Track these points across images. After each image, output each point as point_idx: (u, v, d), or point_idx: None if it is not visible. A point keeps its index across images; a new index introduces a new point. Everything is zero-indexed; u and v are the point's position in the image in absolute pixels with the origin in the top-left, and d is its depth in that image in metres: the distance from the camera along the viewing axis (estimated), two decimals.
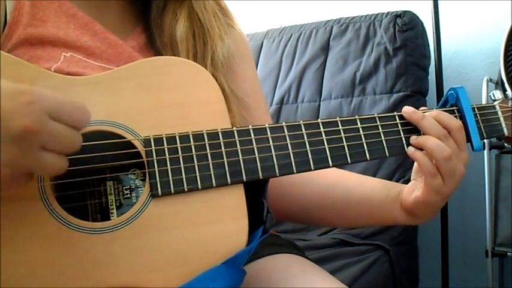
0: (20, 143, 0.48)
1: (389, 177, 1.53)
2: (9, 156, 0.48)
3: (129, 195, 0.63)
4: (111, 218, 0.61)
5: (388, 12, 1.70)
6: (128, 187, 0.63)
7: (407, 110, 0.74)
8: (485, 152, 1.57)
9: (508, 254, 1.55)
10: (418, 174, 0.76)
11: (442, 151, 0.69)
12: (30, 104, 0.49)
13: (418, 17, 1.68)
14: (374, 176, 1.55)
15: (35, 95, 0.50)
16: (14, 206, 0.56)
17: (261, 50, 1.93)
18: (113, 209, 0.62)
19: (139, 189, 0.63)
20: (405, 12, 1.67)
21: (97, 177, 0.62)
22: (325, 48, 1.78)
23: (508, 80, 1.25)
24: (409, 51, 1.64)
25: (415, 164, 0.77)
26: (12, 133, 0.48)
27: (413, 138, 0.72)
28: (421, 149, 0.72)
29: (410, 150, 0.72)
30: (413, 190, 0.75)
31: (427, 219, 0.76)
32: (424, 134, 0.72)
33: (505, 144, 1.53)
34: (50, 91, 0.52)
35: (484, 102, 1.54)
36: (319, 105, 1.74)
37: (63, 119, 0.51)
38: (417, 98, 1.63)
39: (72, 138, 0.53)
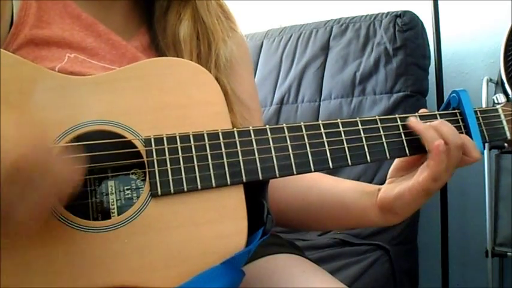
0: (12, 177, 0.47)
1: None
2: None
3: (130, 195, 0.63)
4: (112, 217, 0.61)
5: (388, 12, 1.71)
6: (129, 187, 0.63)
7: (411, 121, 0.73)
8: (485, 152, 1.57)
9: (508, 254, 1.55)
10: (397, 173, 0.76)
11: (457, 138, 0.69)
12: (35, 142, 0.49)
13: (418, 17, 1.69)
14: (374, 176, 1.55)
15: (42, 136, 0.51)
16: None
17: (261, 50, 1.93)
18: (113, 208, 0.62)
19: (140, 189, 0.63)
20: (405, 12, 1.68)
21: (98, 176, 0.62)
22: (325, 48, 1.79)
23: (508, 80, 1.25)
24: (409, 51, 1.64)
25: (395, 162, 0.77)
26: (9, 165, 0.47)
27: (429, 124, 0.71)
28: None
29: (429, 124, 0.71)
30: (394, 187, 0.74)
31: (405, 216, 0.75)
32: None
33: (505, 144, 1.53)
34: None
35: (484, 102, 1.55)
36: (319, 105, 1.74)
37: (60, 167, 0.52)
38: (417, 98, 1.63)
39: (63, 186, 0.53)
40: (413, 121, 0.72)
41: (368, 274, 1.32)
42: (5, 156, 0.47)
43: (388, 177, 0.78)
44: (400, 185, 0.73)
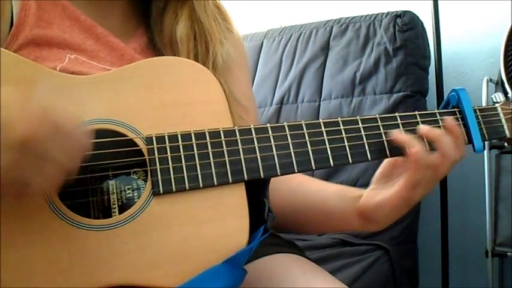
0: (21, 151, 0.49)
1: None
2: (7, 164, 0.49)
3: (130, 195, 0.63)
4: (113, 216, 0.61)
5: (388, 12, 1.71)
6: (130, 186, 0.63)
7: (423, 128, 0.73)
8: (485, 152, 1.57)
9: (508, 254, 1.55)
10: (381, 179, 0.76)
11: (456, 154, 0.70)
12: (37, 114, 0.50)
13: (418, 17, 1.69)
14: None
15: (40, 103, 0.51)
16: (15, 202, 0.56)
17: (261, 50, 1.93)
18: (115, 207, 0.62)
19: (141, 189, 0.63)
20: (405, 12, 1.68)
21: (99, 174, 0.62)
22: (325, 48, 1.79)
23: (508, 80, 1.25)
24: (409, 51, 1.64)
25: (381, 168, 0.77)
26: (13, 141, 0.48)
27: (429, 128, 0.72)
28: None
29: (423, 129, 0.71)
30: (375, 195, 0.74)
31: (383, 225, 0.76)
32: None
33: (505, 144, 1.53)
34: (54, 94, 0.53)
35: (484, 102, 1.55)
36: (319, 105, 1.74)
37: (68, 134, 0.52)
38: (417, 98, 1.63)
39: (74, 153, 0.53)
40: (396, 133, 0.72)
41: (368, 274, 1.32)
42: (13, 128, 0.48)
43: (371, 183, 0.78)
44: (380, 194, 0.73)
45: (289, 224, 0.86)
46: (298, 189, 0.84)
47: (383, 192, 0.73)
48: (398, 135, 0.71)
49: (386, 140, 0.72)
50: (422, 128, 0.72)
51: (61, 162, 0.52)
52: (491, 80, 1.59)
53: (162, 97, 0.65)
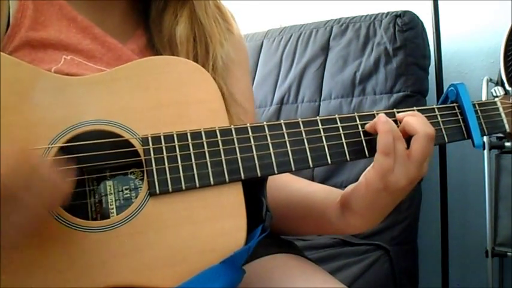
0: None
1: None
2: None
3: (128, 195, 0.63)
4: (111, 217, 0.61)
5: (388, 12, 1.70)
6: (128, 187, 0.63)
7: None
8: (485, 151, 1.57)
9: (508, 254, 1.55)
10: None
11: (427, 126, 0.67)
12: (8, 156, 0.49)
13: (418, 17, 1.68)
14: None
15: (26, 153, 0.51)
16: None
17: (261, 50, 1.93)
18: (112, 208, 0.62)
19: (139, 189, 0.63)
20: (405, 12, 1.67)
21: (96, 175, 0.62)
22: (325, 48, 1.78)
23: (508, 80, 1.25)
24: (409, 51, 1.64)
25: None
26: None
27: (398, 113, 0.70)
28: None
29: (381, 115, 0.68)
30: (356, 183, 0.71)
31: (364, 218, 0.71)
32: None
33: (505, 144, 1.53)
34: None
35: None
36: (319, 105, 1.74)
37: (42, 175, 0.52)
38: (417, 98, 1.63)
39: (53, 195, 0.53)
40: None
41: (368, 274, 1.32)
42: None
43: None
44: (358, 181, 0.70)
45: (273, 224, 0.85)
46: (283, 186, 0.82)
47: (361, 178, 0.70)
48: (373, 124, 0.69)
49: None
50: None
51: (35, 209, 0.52)
52: (491, 80, 1.58)
53: (157, 97, 0.65)
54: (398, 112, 0.73)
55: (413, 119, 0.69)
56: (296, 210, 0.81)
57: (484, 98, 1.54)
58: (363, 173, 0.70)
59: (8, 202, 0.49)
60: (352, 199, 0.70)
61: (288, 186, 0.83)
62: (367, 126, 0.69)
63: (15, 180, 0.49)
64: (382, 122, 0.67)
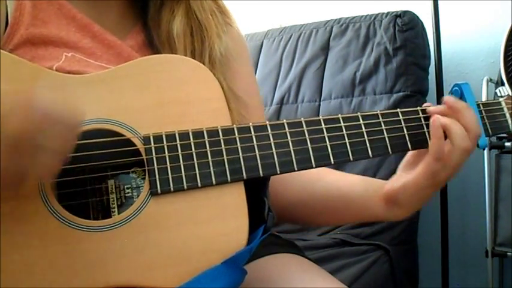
0: (16, 145, 0.50)
1: (389, 177, 1.52)
2: (3, 158, 0.49)
3: (130, 194, 0.63)
4: (113, 216, 0.61)
5: (388, 12, 1.70)
6: (129, 186, 0.63)
7: (449, 100, 0.73)
8: (485, 152, 1.57)
9: (508, 254, 1.55)
10: (407, 167, 0.76)
11: (465, 141, 0.69)
12: (25, 107, 0.50)
13: (418, 17, 1.68)
14: (374, 175, 1.55)
15: (30, 97, 0.51)
16: (13, 204, 0.56)
17: (261, 50, 1.93)
18: (114, 208, 0.62)
19: (141, 188, 0.63)
20: (405, 12, 1.68)
21: (97, 175, 0.62)
22: (325, 48, 1.79)
23: (508, 80, 1.25)
24: (409, 51, 1.64)
25: (407, 156, 0.77)
26: (5, 136, 0.49)
27: (438, 117, 0.71)
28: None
29: (434, 118, 0.71)
30: (400, 179, 0.74)
31: (409, 210, 0.75)
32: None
33: (505, 144, 1.53)
34: (45, 92, 0.53)
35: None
36: (319, 105, 1.74)
37: (57, 120, 0.52)
38: (417, 98, 1.63)
39: (66, 139, 0.54)
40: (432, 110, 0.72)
41: (368, 274, 1.32)
42: (5, 123, 0.49)
43: (398, 170, 0.78)
44: (406, 176, 0.73)
45: (308, 216, 0.87)
46: (318, 179, 0.83)
47: (408, 175, 0.73)
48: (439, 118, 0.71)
49: (388, 137, 0.71)
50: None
51: (55, 149, 0.52)
52: (491, 80, 1.59)
53: (160, 95, 0.64)
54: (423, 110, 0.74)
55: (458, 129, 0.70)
56: (335, 204, 0.82)
57: (484, 98, 1.55)
58: (405, 168, 0.75)
59: (32, 149, 0.51)
60: (400, 195, 0.74)
61: (322, 179, 0.83)
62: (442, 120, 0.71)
63: (32, 128, 0.50)
64: (435, 127, 0.70)
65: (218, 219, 0.62)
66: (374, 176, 1.55)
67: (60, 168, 0.55)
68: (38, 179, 0.56)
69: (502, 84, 1.29)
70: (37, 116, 0.51)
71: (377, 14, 1.73)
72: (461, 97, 0.76)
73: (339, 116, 0.70)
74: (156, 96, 0.64)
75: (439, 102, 0.81)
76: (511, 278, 1.70)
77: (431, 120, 0.71)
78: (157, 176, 0.61)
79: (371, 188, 0.78)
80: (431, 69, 1.71)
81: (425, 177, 0.70)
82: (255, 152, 0.65)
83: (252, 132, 0.65)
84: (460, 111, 0.71)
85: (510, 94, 0.81)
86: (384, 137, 0.71)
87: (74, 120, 0.55)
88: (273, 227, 0.68)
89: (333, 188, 0.82)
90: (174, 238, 0.60)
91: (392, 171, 1.58)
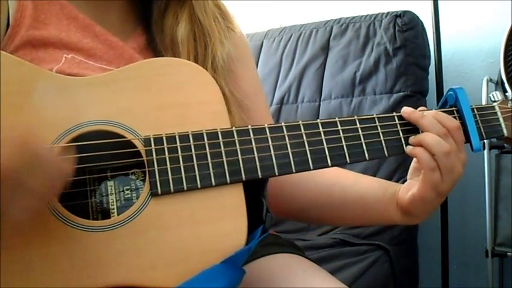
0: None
1: (389, 177, 1.53)
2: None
3: (129, 196, 0.63)
4: (112, 217, 0.61)
5: (388, 12, 1.70)
6: (129, 187, 0.63)
7: (406, 110, 0.74)
8: (485, 152, 1.57)
9: (508, 254, 1.55)
10: (415, 173, 0.77)
11: (441, 146, 0.70)
12: (18, 142, 0.50)
13: (418, 17, 1.68)
14: (374, 175, 1.55)
15: (25, 134, 0.51)
16: None
17: (261, 50, 1.93)
18: (113, 209, 0.62)
19: (140, 190, 0.63)
20: (405, 12, 1.67)
21: (97, 175, 0.62)
22: (325, 48, 1.78)
23: (508, 80, 1.25)
24: (409, 51, 1.64)
25: (413, 163, 0.77)
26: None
27: (412, 138, 0.73)
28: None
29: (409, 148, 0.73)
30: (409, 189, 0.75)
31: (423, 218, 0.77)
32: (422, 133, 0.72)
33: (505, 144, 1.53)
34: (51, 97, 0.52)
35: (484, 102, 1.54)
36: (319, 105, 1.74)
37: (47, 163, 0.52)
38: (417, 98, 1.63)
39: (52, 183, 0.54)
40: (408, 114, 0.74)
41: (368, 274, 1.32)
42: None
43: (407, 177, 0.78)
44: (413, 188, 0.74)
45: (325, 217, 0.88)
46: (335, 182, 0.84)
47: (414, 186, 0.74)
48: (411, 113, 0.73)
49: (384, 140, 0.72)
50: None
51: (37, 191, 0.52)
52: (491, 80, 1.59)
53: (160, 98, 0.65)
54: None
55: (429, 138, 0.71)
56: (354, 208, 0.83)
57: (484, 98, 1.55)
58: (413, 175, 0.76)
59: (13, 186, 0.50)
60: (411, 209, 0.75)
61: (340, 181, 0.84)
62: (413, 141, 0.73)
63: (19, 165, 0.49)
64: (411, 142, 0.72)
65: (217, 219, 0.62)
66: (374, 176, 1.56)
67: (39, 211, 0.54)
68: (18, 218, 0.53)
69: (502, 84, 1.29)
70: (27, 153, 0.50)
71: (377, 14, 1.73)
72: (456, 102, 0.77)
73: (336, 119, 0.71)
74: (157, 98, 0.65)
75: (439, 102, 0.82)
76: (511, 278, 1.70)
77: (407, 151, 0.73)
78: (157, 177, 0.61)
79: (388, 194, 0.79)
80: (431, 69, 1.71)
81: (428, 190, 0.71)
82: (253, 154, 0.65)
83: (251, 135, 0.66)
84: (417, 121, 0.73)
85: (504, 99, 0.82)
86: (381, 140, 0.72)
87: (66, 167, 0.54)
88: (271, 227, 0.68)
89: (350, 191, 0.83)
90: (174, 238, 0.60)
91: (392, 172, 1.58)
